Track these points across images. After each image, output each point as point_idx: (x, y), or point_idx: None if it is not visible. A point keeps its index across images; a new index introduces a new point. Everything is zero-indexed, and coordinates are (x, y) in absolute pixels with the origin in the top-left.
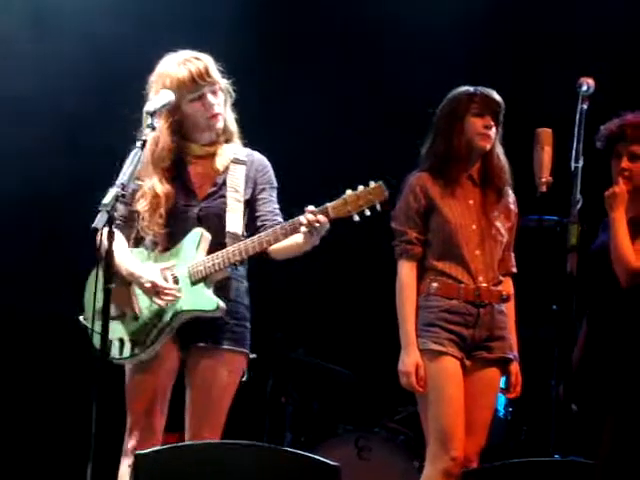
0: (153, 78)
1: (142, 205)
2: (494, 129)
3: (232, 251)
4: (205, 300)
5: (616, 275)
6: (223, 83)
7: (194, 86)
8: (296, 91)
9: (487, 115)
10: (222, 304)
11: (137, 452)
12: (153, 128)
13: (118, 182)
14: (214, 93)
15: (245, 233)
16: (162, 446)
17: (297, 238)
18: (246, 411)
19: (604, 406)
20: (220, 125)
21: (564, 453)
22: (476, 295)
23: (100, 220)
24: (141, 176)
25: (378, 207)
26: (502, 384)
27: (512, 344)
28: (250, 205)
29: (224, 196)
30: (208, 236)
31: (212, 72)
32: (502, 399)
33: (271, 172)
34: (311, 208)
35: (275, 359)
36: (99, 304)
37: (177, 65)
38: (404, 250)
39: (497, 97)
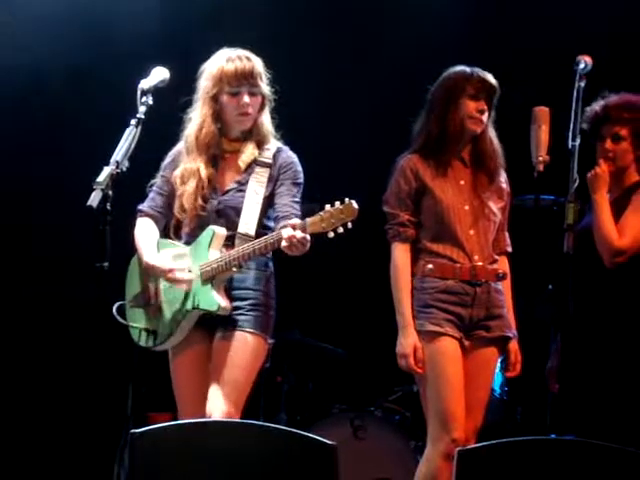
0: (204, 66)
1: (188, 187)
2: (487, 113)
3: (233, 255)
4: (209, 300)
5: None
6: (265, 89)
7: (235, 82)
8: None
9: (482, 99)
10: (224, 304)
11: (132, 431)
12: (148, 105)
13: (112, 160)
14: (252, 95)
15: (267, 227)
16: (157, 425)
17: None
18: None
19: (589, 385)
20: (247, 125)
21: (560, 432)
22: (472, 274)
23: (95, 198)
24: (182, 161)
25: (350, 225)
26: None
27: (510, 322)
28: (271, 201)
29: (243, 190)
30: (221, 233)
31: (256, 75)
32: (498, 379)
33: (295, 169)
34: (293, 222)
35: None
36: (135, 291)
37: (227, 59)
38: (397, 232)
39: (492, 80)
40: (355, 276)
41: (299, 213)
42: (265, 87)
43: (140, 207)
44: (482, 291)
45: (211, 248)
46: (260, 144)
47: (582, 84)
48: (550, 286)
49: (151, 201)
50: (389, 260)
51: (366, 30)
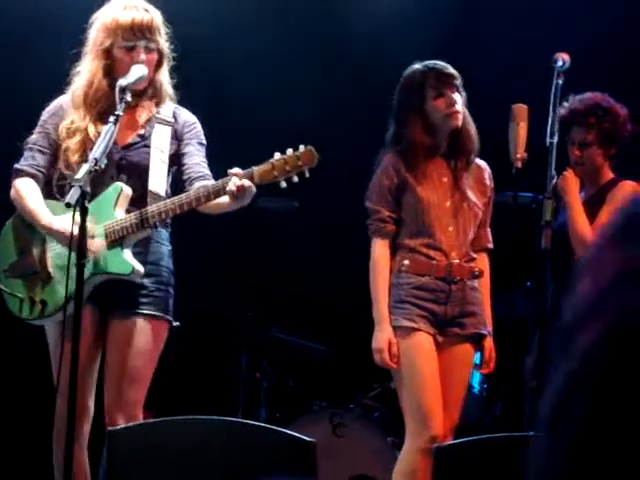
0: (97, 14)
1: (73, 142)
2: (458, 100)
3: (151, 211)
4: (120, 263)
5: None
6: (164, 45)
7: (130, 35)
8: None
9: (447, 92)
10: (139, 267)
11: (109, 429)
12: (127, 103)
13: (91, 157)
14: (148, 50)
15: (169, 191)
16: (135, 422)
17: (223, 199)
18: (220, 387)
19: None
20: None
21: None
22: (448, 271)
23: (73, 195)
24: (66, 114)
25: (307, 174)
26: (477, 360)
27: (485, 320)
28: (175, 161)
29: (148, 146)
30: (128, 192)
31: (155, 29)
32: (477, 376)
33: (198, 128)
34: (235, 170)
35: (248, 337)
36: (11, 259)
37: (123, 8)
38: (377, 228)
39: (449, 69)
40: (335, 272)
41: (211, 175)
42: (163, 43)
43: (18, 166)
44: (457, 289)
45: (117, 207)
46: (159, 104)
47: (560, 81)
48: (528, 283)
49: (31, 159)
50: (369, 255)
51: (335, 27)
